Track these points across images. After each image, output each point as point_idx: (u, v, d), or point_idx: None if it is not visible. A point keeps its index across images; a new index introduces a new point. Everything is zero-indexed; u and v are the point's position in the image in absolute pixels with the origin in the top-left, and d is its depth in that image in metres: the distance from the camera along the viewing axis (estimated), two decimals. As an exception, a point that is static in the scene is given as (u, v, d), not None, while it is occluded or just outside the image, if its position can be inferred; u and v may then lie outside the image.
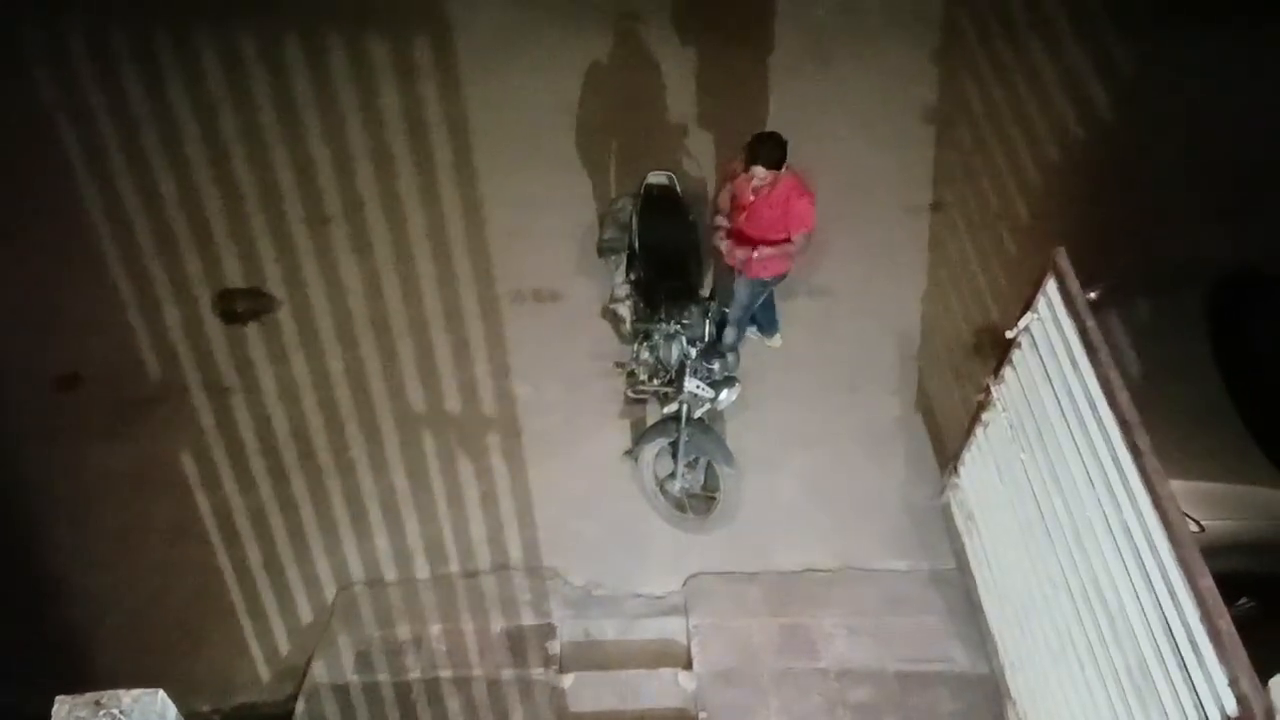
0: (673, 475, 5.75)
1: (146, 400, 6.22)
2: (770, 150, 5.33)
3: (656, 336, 5.79)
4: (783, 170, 5.41)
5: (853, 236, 6.79)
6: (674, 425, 5.62)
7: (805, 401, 6.29)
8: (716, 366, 5.63)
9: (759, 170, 5.35)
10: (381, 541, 5.87)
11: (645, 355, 5.91)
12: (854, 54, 7.52)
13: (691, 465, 5.75)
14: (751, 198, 5.54)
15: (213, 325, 6.50)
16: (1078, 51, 7.54)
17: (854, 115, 7.29)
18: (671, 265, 5.90)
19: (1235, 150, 7.00)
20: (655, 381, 5.81)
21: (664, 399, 5.77)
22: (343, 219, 6.87)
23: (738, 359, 5.77)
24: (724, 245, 5.72)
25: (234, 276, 6.66)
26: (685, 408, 5.55)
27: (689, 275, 5.95)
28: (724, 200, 5.78)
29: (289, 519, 5.91)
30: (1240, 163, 6.93)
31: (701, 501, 5.87)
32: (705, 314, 5.68)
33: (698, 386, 5.52)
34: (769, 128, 7.05)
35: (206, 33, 7.44)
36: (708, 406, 5.59)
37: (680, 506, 5.86)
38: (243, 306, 6.56)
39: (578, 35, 7.55)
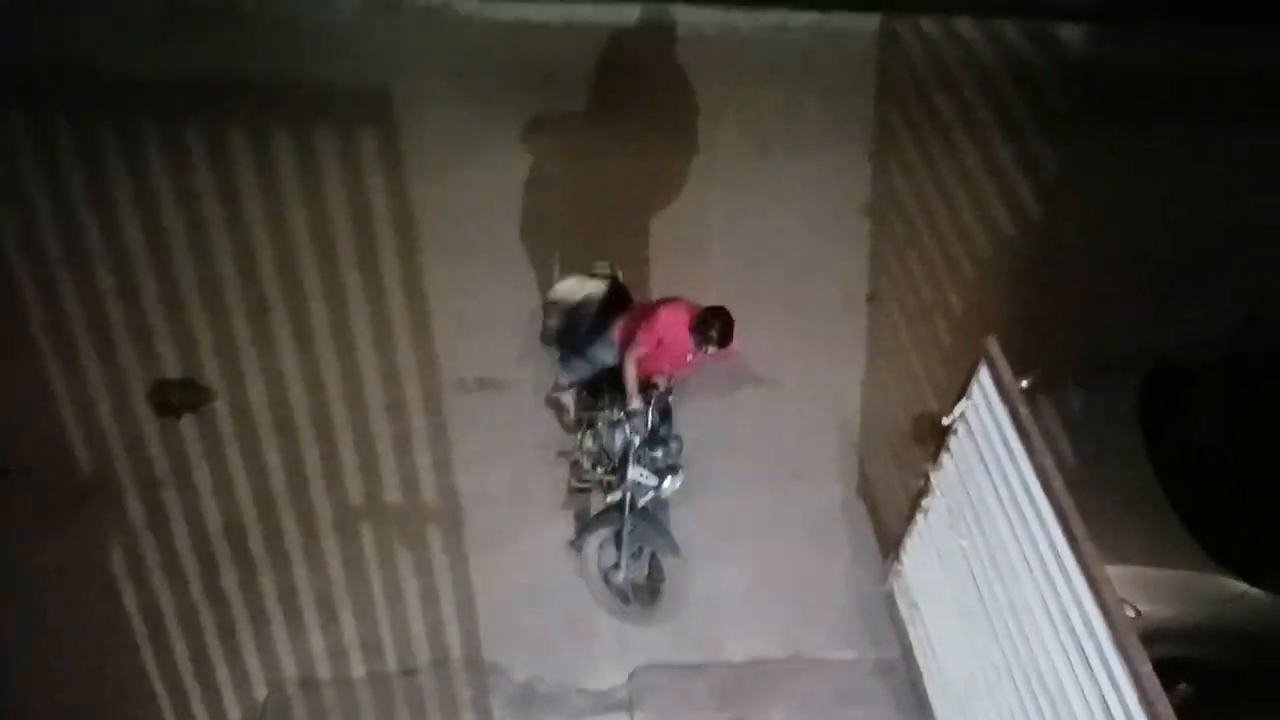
0: (617, 565, 5.69)
1: (77, 495, 6.05)
2: (727, 332, 5.38)
3: (600, 424, 5.79)
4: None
5: (794, 326, 6.90)
6: (618, 514, 5.57)
7: (751, 490, 6.30)
8: (660, 454, 5.62)
9: (710, 348, 5.39)
10: (316, 639, 5.72)
11: (589, 444, 5.90)
12: (793, 152, 7.73)
13: (636, 555, 5.70)
14: (690, 358, 5.55)
15: (146, 418, 6.37)
16: (1005, 150, 7.84)
17: (794, 210, 7.47)
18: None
19: (1157, 244, 7.27)
20: (599, 470, 5.79)
21: (608, 488, 5.73)
22: (284, 309, 6.82)
23: (680, 446, 5.78)
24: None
25: (170, 368, 6.56)
26: (629, 496, 5.52)
27: None
28: (647, 342, 5.54)
29: (220, 616, 5.74)
30: (1161, 256, 7.20)
31: (646, 592, 5.80)
32: (648, 401, 5.69)
33: (641, 474, 5.50)
34: (716, 219, 7.31)
35: (151, 123, 7.44)
36: (651, 495, 5.56)
37: (625, 597, 5.79)
38: (178, 398, 6.44)
39: (524, 134, 7.68)
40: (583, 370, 5.90)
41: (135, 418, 6.35)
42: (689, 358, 5.55)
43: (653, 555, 5.73)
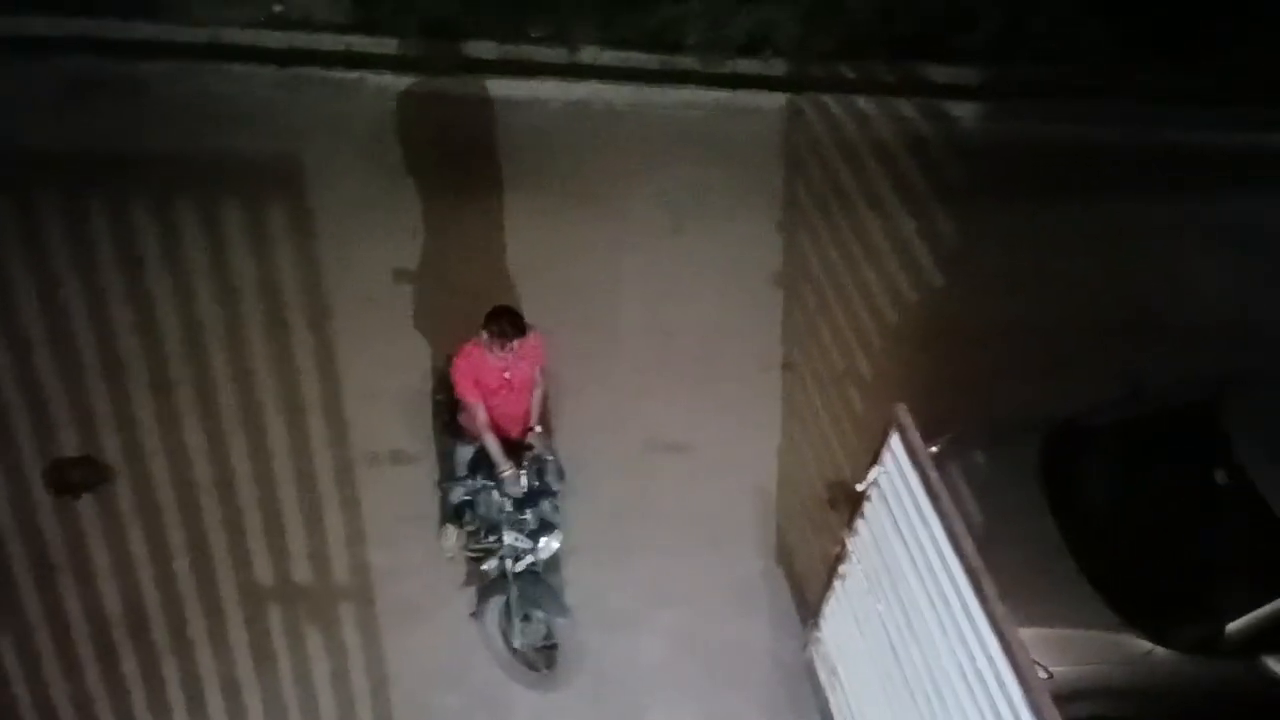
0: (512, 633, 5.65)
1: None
2: (516, 319, 5.40)
3: (475, 496, 5.74)
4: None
5: (710, 394, 6.97)
6: (504, 581, 5.56)
7: (668, 557, 6.29)
8: (529, 515, 5.58)
9: (514, 343, 5.35)
10: (221, 728, 5.48)
11: (469, 516, 5.85)
12: (704, 223, 7.87)
13: (526, 619, 5.68)
14: (507, 374, 5.54)
15: (42, 498, 6.10)
16: (906, 222, 8.10)
17: (707, 280, 7.58)
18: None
19: (1050, 312, 7.56)
20: (489, 538, 5.71)
21: (487, 555, 5.71)
22: (188, 384, 6.63)
23: (555, 505, 5.75)
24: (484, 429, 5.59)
25: (68, 446, 6.31)
26: (508, 562, 5.54)
27: None
28: (470, 394, 5.56)
29: (118, 707, 5.47)
30: (1055, 324, 7.48)
31: (543, 657, 5.75)
32: (521, 465, 5.62)
33: (515, 538, 5.52)
34: (630, 287, 7.38)
35: (50, 195, 7.25)
36: (530, 559, 5.56)
37: (530, 664, 5.72)
38: (76, 477, 6.19)
39: (437, 204, 7.69)
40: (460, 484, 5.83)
41: (30, 498, 6.08)
42: (507, 374, 5.54)
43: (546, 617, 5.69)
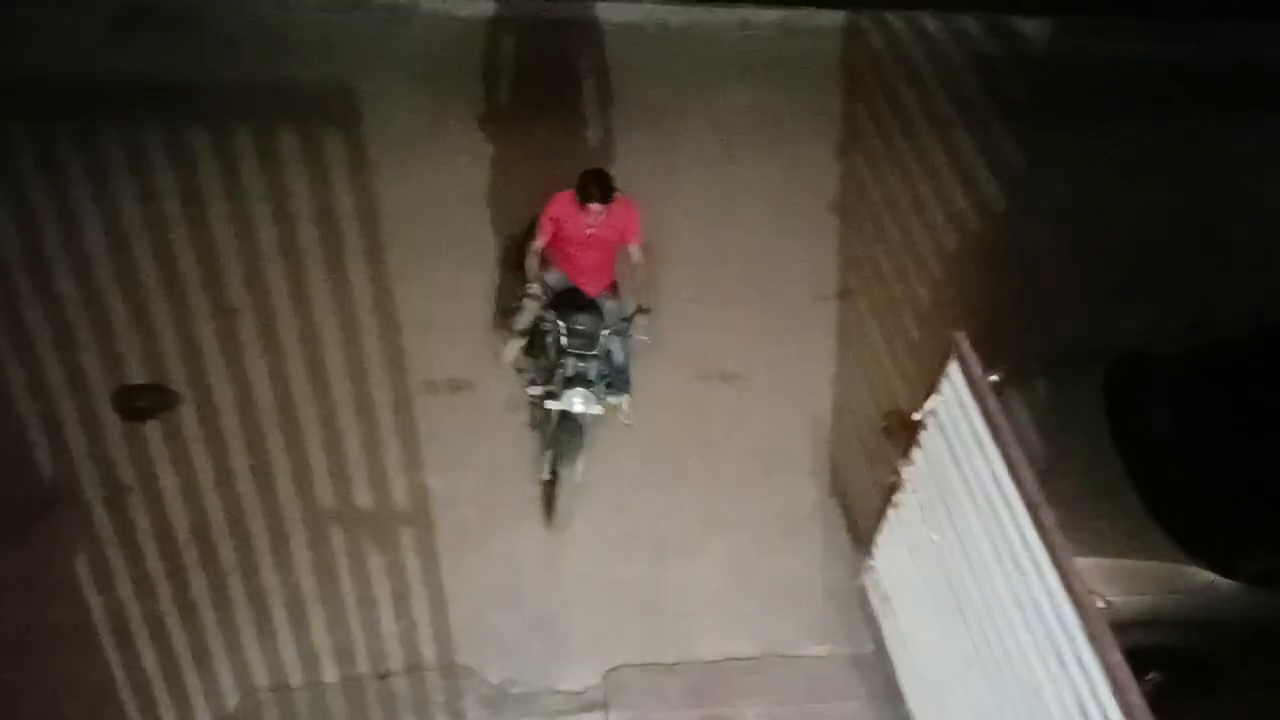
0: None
1: (39, 502, 5.93)
2: (604, 184, 5.74)
3: (542, 325, 6.07)
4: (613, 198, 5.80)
5: (763, 322, 6.93)
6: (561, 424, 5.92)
7: (721, 486, 6.31)
8: (568, 365, 5.87)
9: (595, 206, 5.72)
10: (287, 644, 5.65)
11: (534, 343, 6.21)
12: (759, 148, 7.74)
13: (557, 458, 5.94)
14: (590, 231, 5.87)
15: (111, 423, 6.27)
16: (969, 145, 7.90)
17: (762, 204, 7.49)
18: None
19: (1118, 237, 7.36)
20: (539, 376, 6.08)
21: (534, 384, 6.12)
22: (249, 311, 6.73)
23: (602, 373, 5.97)
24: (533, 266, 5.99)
25: (134, 372, 6.46)
26: (549, 402, 5.90)
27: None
28: (545, 226, 5.97)
29: (189, 623, 5.66)
30: (1127, 248, 7.28)
31: (546, 491, 6.10)
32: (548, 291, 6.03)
33: (551, 380, 5.89)
34: (683, 215, 7.30)
35: (109, 124, 7.31)
36: (558, 404, 5.86)
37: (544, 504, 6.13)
38: (143, 403, 6.34)
39: (490, 130, 7.64)
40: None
41: (99, 423, 6.24)
42: (589, 231, 5.86)
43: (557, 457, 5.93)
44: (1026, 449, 4.31)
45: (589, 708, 5.54)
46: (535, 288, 5.95)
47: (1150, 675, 5.02)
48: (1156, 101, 8.03)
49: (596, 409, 5.85)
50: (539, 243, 5.95)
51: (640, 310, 5.93)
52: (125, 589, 5.73)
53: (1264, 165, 7.77)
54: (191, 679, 5.51)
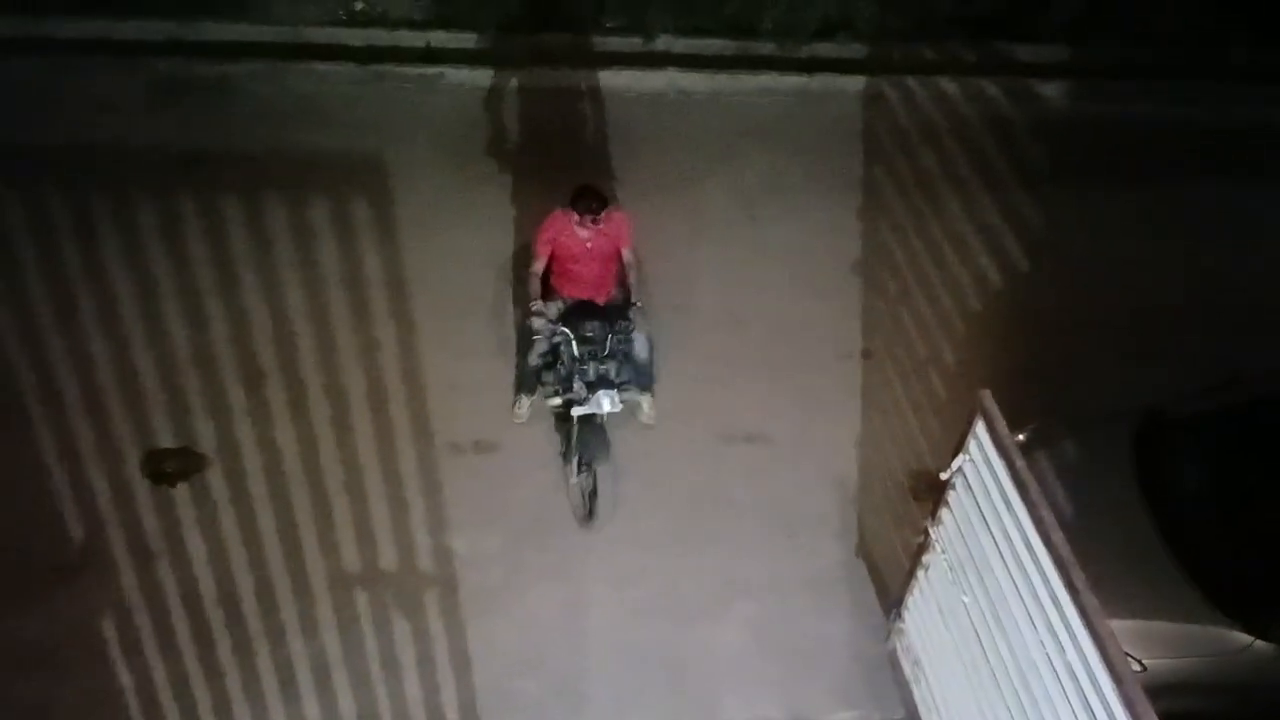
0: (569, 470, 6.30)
1: (66, 566, 5.98)
2: (598, 195, 6.10)
3: (556, 347, 6.31)
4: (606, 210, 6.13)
5: (787, 383, 6.94)
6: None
7: (746, 548, 6.28)
8: (590, 368, 6.10)
9: (591, 215, 6.04)
10: (312, 709, 5.63)
11: (549, 377, 6.42)
12: (781, 211, 7.81)
13: (583, 467, 6.21)
14: (588, 243, 6.19)
15: (140, 486, 6.32)
16: (990, 207, 7.95)
17: (783, 268, 7.54)
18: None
19: (1144, 297, 7.36)
20: (563, 392, 6.25)
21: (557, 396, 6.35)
22: (277, 375, 6.81)
23: (621, 371, 6.20)
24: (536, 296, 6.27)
25: (164, 436, 6.53)
26: (575, 407, 6.11)
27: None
28: (541, 247, 6.27)
29: (214, 688, 5.65)
30: (1149, 308, 7.28)
31: (587, 502, 6.22)
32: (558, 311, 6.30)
33: (578, 384, 6.08)
34: (706, 277, 7.37)
35: (143, 192, 7.48)
36: (588, 409, 6.09)
37: (576, 509, 6.29)
38: (172, 467, 6.40)
39: (513, 193, 7.76)
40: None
41: (128, 487, 6.30)
42: (588, 244, 6.19)
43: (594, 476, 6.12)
44: (1055, 509, 4.27)
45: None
46: (539, 304, 6.24)
47: (1187, 740, 4.92)
48: (1175, 163, 8.07)
49: (619, 406, 6.15)
50: (537, 265, 6.29)
51: (635, 308, 6.27)
52: (151, 652, 5.75)
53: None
54: (216, 744, 5.49)
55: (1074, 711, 4.02)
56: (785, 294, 7.41)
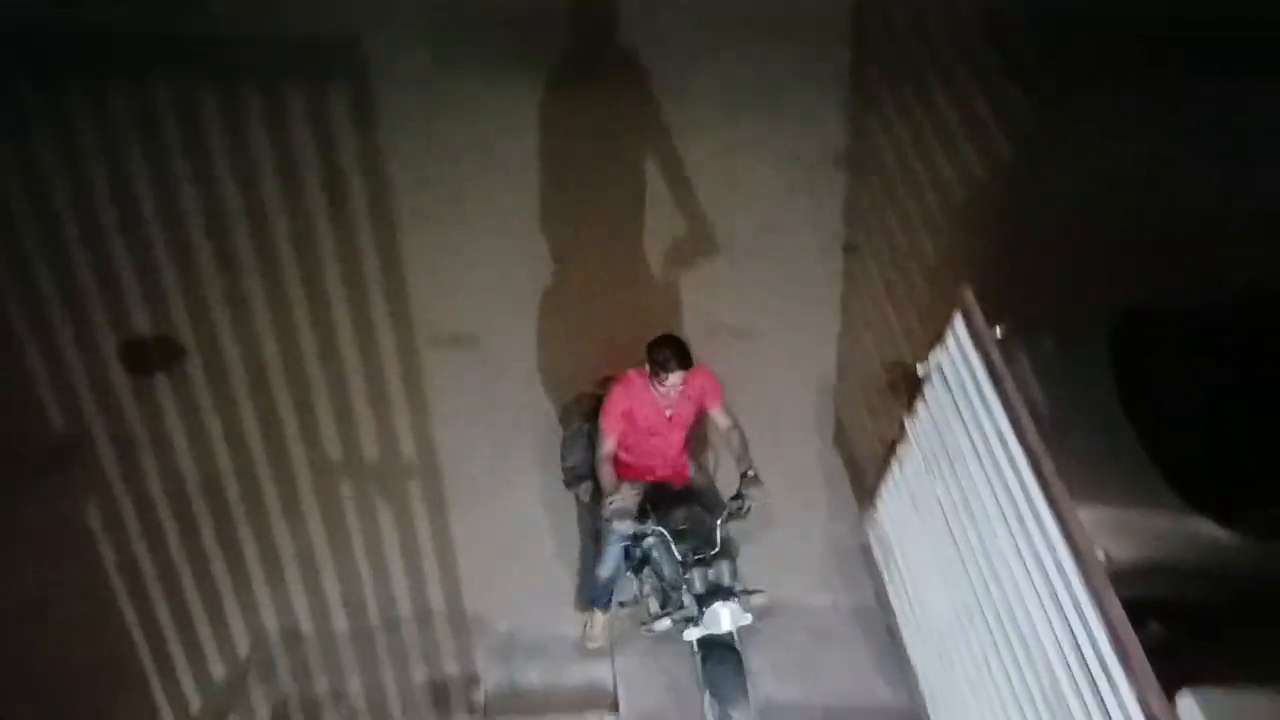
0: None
1: (48, 456, 6.00)
2: (681, 349, 4.83)
3: (648, 550, 5.17)
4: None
5: (770, 278, 6.93)
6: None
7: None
8: (695, 577, 4.94)
9: (672, 377, 4.81)
10: (298, 594, 5.73)
11: (641, 586, 5.41)
12: (767, 104, 7.70)
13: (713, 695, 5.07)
14: (669, 412, 5.05)
15: (119, 376, 6.31)
16: (979, 100, 7.83)
17: (768, 161, 7.46)
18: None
19: (1132, 194, 7.30)
20: (663, 607, 5.17)
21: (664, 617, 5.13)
22: (254, 265, 6.75)
23: (735, 571, 5.04)
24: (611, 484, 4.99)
25: (141, 325, 6.49)
26: (687, 628, 4.96)
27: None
28: (612, 424, 5.04)
29: (200, 575, 5.73)
30: (1138, 207, 7.23)
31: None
32: (638, 497, 5.12)
33: (681, 601, 4.94)
34: (693, 174, 7.27)
35: (117, 79, 7.28)
36: (702, 630, 4.93)
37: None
38: (151, 355, 6.38)
39: (499, 86, 7.60)
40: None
41: (107, 376, 6.29)
42: (669, 412, 5.04)
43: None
44: (1030, 403, 4.32)
45: (595, 654, 5.61)
46: (619, 499, 4.93)
47: (1149, 625, 5.08)
48: (1174, 58, 7.91)
49: (746, 618, 4.91)
50: (609, 445, 5.02)
51: (749, 479, 5.00)
52: (137, 540, 5.80)
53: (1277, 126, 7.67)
54: (204, 628, 5.60)
55: (1040, 596, 4.13)
56: (770, 188, 7.35)
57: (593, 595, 5.49)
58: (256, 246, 6.82)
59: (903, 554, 5.45)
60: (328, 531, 5.93)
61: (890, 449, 5.37)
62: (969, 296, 4.55)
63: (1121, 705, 3.63)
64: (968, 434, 4.59)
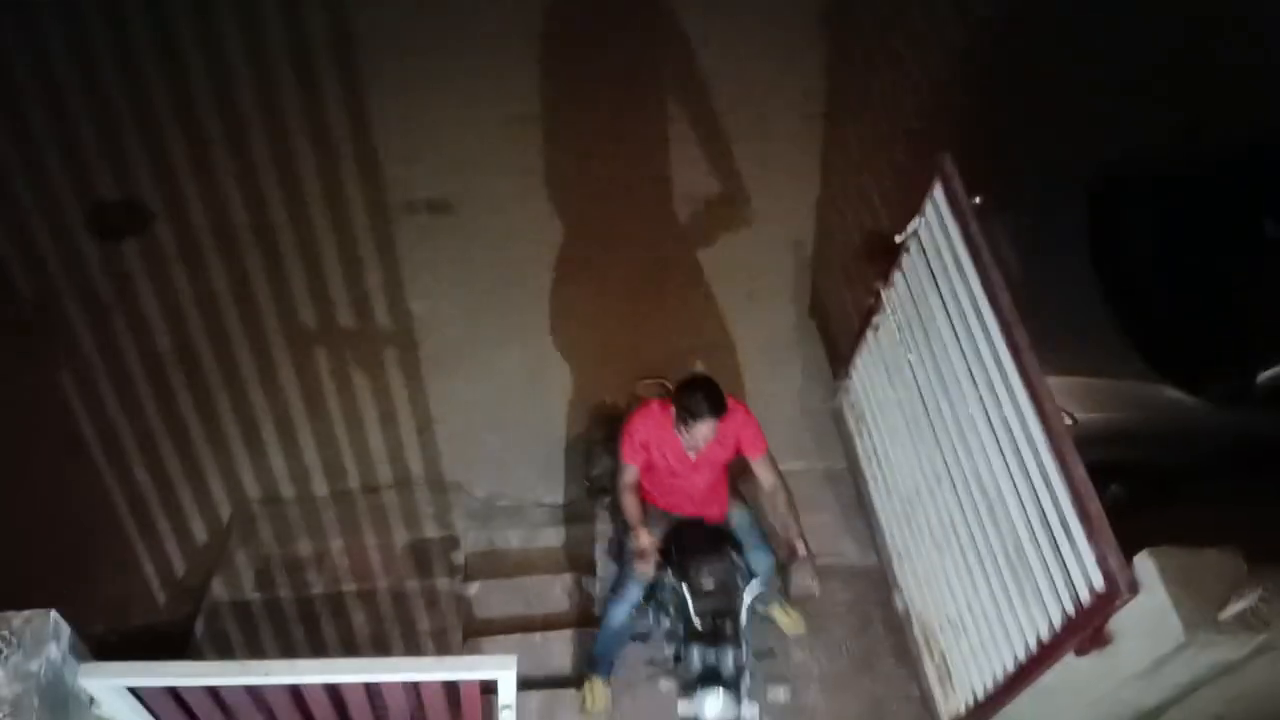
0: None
1: (19, 321, 5.93)
2: (714, 394, 4.25)
3: (661, 594, 4.67)
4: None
5: (748, 145, 6.85)
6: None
7: (705, 308, 6.35)
8: (696, 656, 4.42)
9: (704, 427, 4.25)
10: (277, 460, 5.78)
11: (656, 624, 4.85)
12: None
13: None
14: (693, 454, 4.46)
15: (86, 241, 6.19)
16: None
17: (746, 28, 7.25)
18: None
19: (1113, 54, 7.17)
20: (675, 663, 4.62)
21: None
22: (221, 129, 6.58)
23: (740, 666, 4.47)
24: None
25: (106, 189, 6.33)
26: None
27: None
28: (633, 456, 4.49)
29: (178, 439, 5.76)
30: (1123, 69, 7.11)
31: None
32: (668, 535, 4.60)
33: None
34: (669, 39, 7.05)
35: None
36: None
37: None
38: (117, 220, 6.25)
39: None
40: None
41: (75, 240, 6.17)
42: (692, 455, 4.45)
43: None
44: (1006, 271, 4.32)
45: (573, 520, 5.73)
46: (645, 538, 4.36)
47: (1111, 487, 5.22)
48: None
49: (738, 711, 4.36)
50: (630, 475, 4.47)
51: (799, 560, 4.38)
52: (113, 406, 5.80)
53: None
54: (184, 492, 5.65)
55: (1006, 460, 4.23)
56: (747, 53, 7.18)
57: (597, 651, 4.80)
58: (223, 110, 6.63)
59: (875, 420, 5.54)
60: (305, 398, 5.94)
61: (866, 318, 5.39)
62: (948, 164, 4.49)
63: (1081, 564, 3.76)
64: (943, 302, 4.61)
